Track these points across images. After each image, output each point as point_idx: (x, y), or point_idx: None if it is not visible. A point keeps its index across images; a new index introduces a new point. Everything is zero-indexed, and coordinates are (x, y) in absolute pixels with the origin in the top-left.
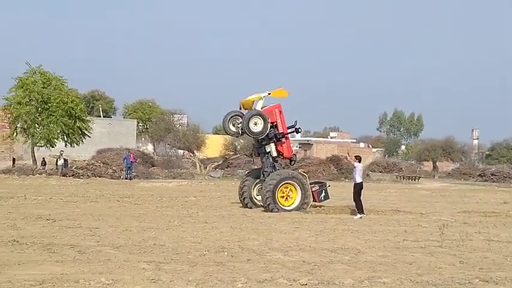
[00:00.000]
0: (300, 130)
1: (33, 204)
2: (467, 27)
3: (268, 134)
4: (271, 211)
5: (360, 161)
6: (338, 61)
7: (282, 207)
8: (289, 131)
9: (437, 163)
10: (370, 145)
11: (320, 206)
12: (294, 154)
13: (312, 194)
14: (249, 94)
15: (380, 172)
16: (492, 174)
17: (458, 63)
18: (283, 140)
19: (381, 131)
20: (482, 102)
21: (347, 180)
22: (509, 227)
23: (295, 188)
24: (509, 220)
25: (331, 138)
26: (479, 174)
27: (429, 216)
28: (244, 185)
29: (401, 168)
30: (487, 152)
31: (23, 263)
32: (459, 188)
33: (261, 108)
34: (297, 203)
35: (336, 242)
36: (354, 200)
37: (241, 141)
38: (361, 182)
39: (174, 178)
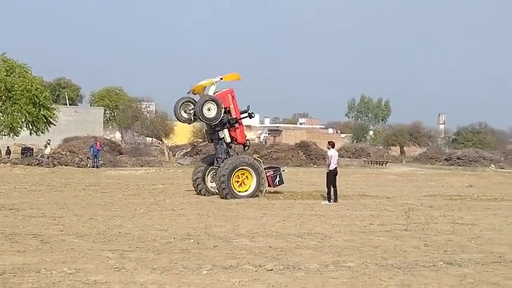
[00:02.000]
0: (253, 115)
1: None
2: (432, 8)
3: (221, 119)
4: (226, 198)
5: (333, 147)
6: (307, 47)
7: (237, 193)
8: (242, 116)
9: (404, 148)
10: (338, 131)
11: (275, 192)
12: (248, 140)
13: (267, 179)
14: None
15: (348, 157)
16: (458, 158)
17: (424, 48)
18: (237, 125)
19: (349, 117)
20: (449, 87)
21: (315, 166)
22: (474, 210)
23: (250, 174)
24: (474, 203)
25: (300, 124)
26: (446, 159)
27: (395, 200)
28: (198, 172)
29: (369, 153)
30: (453, 137)
31: None
32: (426, 172)
33: (214, 94)
34: (252, 189)
35: (302, 228)
36: (327, 186)
37: None
38: (335, 168)
39: (142, 166)
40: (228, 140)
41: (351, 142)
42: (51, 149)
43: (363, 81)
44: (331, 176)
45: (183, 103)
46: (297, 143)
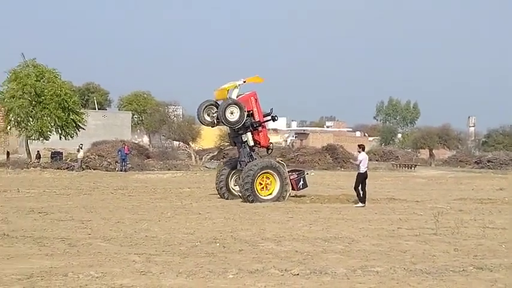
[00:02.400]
0: (276, 118)
1: (26, 197)
2: (464, 16)
3: (244, 123)
4: (250, 202)
5: (363, 150)
6: (334, 50)
7: (261, 197)
8: (265, 119)
9: (433, 151)
10: (366, 134)
11: (301, 196)
12: (271, 143)
13: (291, 182)
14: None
15: (376, 161)
16: (488, 161)
17: (453, 49)
18: (260, 128)
19: (377, 120)
20: (478, 89)
21: (343, 169)
22: (505, 214)
23: (274, 178)
24: (504, 207)
25: (327, 127)
26: (476, 161)
27: (425, 204)
28: (221, 175)
29: (398, 156)
30: (484, 139)
31: (11, 257)
32: (455, 176)
33: (236, 97)
34: (275, 192)
35: (329, 232)
36: (355, 189)
37: None
38: (366, 172)
39: (169, 169)
40: (251, 143)
41: (379, 145)
42: (85, 153)
43: (391, 84)
44: (361, 179)
45: (206, 106)
46: (324, 146)
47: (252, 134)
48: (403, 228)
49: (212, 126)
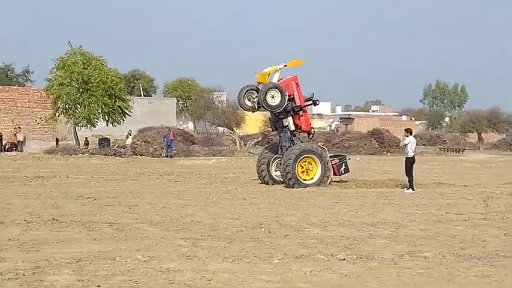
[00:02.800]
0: (317, 102)
1: (74, 183)
2: None
3: (285, 107)
4: (292, 187)
5: (411, 134)
6: (379, 34)
7: (303, 181)
8: (306, 103)
9: (482, 134)
10: (412, 118)
11: (342, 180)
12: (312, 127)
13: (332, 167)
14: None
15: (423, 145)
16: None
17: (502, 32)
18: (301, 113)
19: (424, 103)
20: None
21: (389, 154)
22: None
23: (315, 162)
24: None
25: (373, 112)
26: None
27: (473, 188)
28: (262, 161)
29: (445, 140)
30: None
31: (61, 241)
32: (505, 160)
33: (277, 81)
34: (317, 177)
35: (376, 216)
36: (407, 175)
37: None
38: (413, 156)
39: (214, 155)
40: (292, 128)
41: (426, 129)
42: (133, 140)
43: (436, 67)
44: (410, 164)
45: (247, 91)
46: (369, 131)
47: (293, 118)
48: (452, 213)
49: (253, 111)
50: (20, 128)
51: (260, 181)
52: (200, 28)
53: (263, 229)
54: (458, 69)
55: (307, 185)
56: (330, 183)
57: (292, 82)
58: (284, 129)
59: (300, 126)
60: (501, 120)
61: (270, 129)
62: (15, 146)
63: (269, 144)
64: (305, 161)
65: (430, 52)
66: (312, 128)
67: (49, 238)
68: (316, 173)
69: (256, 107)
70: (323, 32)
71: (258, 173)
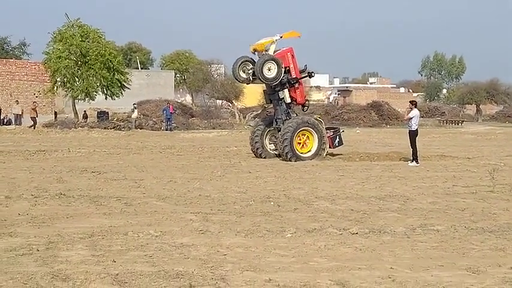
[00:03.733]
0: (313, 74)
1: (77, 157)
2: None
3: (281, 79)
4: (289, 160)
5: (415, 106)
6: (376, 5)
7: (300, 154)
8: (302, 75)
9: (480, 106)
10: (410, 90)
11: (342, 153)
12: (307, 100)
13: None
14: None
15: (422, 117)
16: None
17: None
18: (297, 85)
19: (421, 75)
20: None
21: (388, 126)
22: None
23: (312, 135)
24: None
25: (371, 84)
26: None
27: (477, 160)
28: (255, 134)
29: (444, 112)
30: None
31: (71, 216)
32: (504, 131)
33: (273, 53)
34: (314, 150)
35: (383, 190)
36: (411, 147)
37: None
38: (417, 129)
39: (214, 128)
40: (288, 100)
41: (424, 101)
42: (138, 113)
43: (434, 38)
44: (413, 137)
45: (241, 63)
46: (369, 103)
47: (288, 91)
48: (459, 185)
49: (247, 83)
50: (17, 101)
51: (254, 155)
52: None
53: (272, 203)
54: (457, 40)
55: (304, 158)
56: (325, 156)
57: (288, 54)
58: (280, 101)
59: (295, 99)
60: (500, 92)
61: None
62: (35, 120)
63: (263, 117)
64: (302, 134)
65: (427, 23)
66: (307, 100)
67: (58, 213)
68: (313, 145)
69: (251, 78)
70: (321, 3)
71: (251, 146)
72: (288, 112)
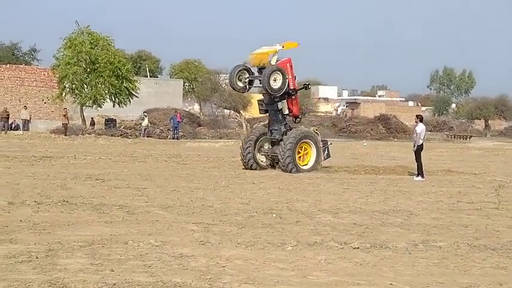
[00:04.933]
0: (309, 87)
1: (82, 164)
2: None
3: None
4: (290, 172)
5: (421, 121)
6: (386, 18)
7: (300, 167)
8: (300, 87)
9: (489, 121)
10: (419, 103)
11: (341, 166)
12: (301, 112)
13: None
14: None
15: (430, 131)
16: None
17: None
18: (294, 96)
19: (431, 89)
20: None
21: (396, 139)
22: None
23: (311, 147)
24: None
25: (379, 97)
26: None
27: (483, 176)
28: (247, 145)
29: (452, 127)
30: None
31: (72, 224)
32: None
33: (275, 63)
34: (311, 163)
35: (387, 204)
36: (416, 161)
37: None
38: (422, 143)
39: (221, 138)
40: (286, 111)
41: (432, 115)
42: (149, 121)
43: (444, 53)
44: (418, 151)
45: (238, 71)
46: (376, 116)
47: (287, 102)
48: (463, 201)
49: (243, 92)
50: (26, 106)
51: (243, 166)
52: (207, 9)
53: (274, 215)
54: (466, 55)
55: (304, 171)
56: (319, 169)
57: (287, 64)
58: (277, 112)
59: (292, 110)
60: (509, 108)
61: None
62: (66, 127)
63: (254, 128)
64: (301, 146)
65: (437, 38)
66: (301, 112)
67: (60, 220)
68: (311, 158)
69: (248, 87)
70: (329, 15)
71: (241, 157)
72: (286, 123)
